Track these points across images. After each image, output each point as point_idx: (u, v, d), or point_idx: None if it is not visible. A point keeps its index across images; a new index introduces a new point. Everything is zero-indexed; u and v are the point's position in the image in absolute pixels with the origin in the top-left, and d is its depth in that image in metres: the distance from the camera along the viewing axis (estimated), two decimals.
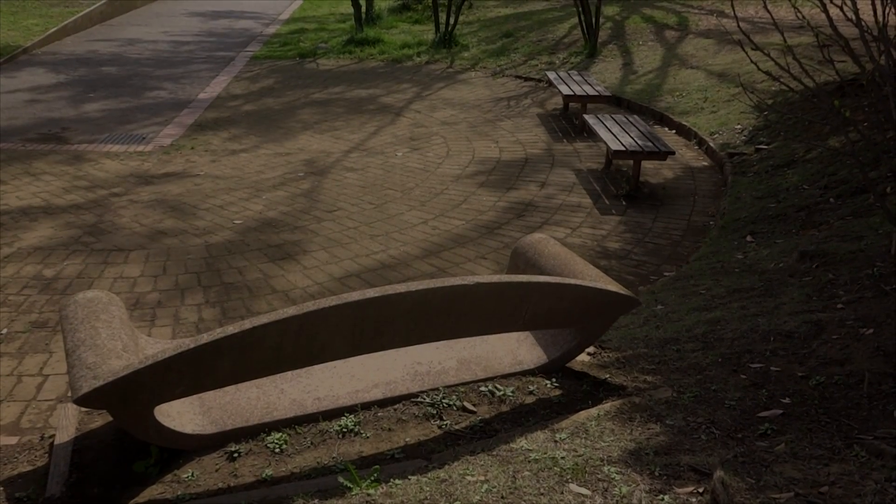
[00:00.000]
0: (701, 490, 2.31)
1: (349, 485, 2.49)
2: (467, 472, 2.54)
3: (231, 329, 2.52)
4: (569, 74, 10.18)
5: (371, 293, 2.66)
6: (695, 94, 9.66)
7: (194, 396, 3.04)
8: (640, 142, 7.08)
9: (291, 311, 2.57)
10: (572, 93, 9.27)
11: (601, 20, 12.71)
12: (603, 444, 2.70)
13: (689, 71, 10.59)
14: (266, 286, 5.29)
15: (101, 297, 3.02)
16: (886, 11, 3.69)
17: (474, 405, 3.17)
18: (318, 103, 10.75)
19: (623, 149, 6.92)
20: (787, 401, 2.99)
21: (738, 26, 4.27)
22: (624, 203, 6.89)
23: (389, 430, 3.00)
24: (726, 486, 2.23)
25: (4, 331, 4.65)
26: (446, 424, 3.04)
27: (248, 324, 2.53)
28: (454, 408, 3.14)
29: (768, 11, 4.22)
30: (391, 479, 2.52)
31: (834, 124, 6.68)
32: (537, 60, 12.69)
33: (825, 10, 3.78)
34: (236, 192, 7.18)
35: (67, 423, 3.15)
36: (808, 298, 4.01)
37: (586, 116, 8.11)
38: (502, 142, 8.74)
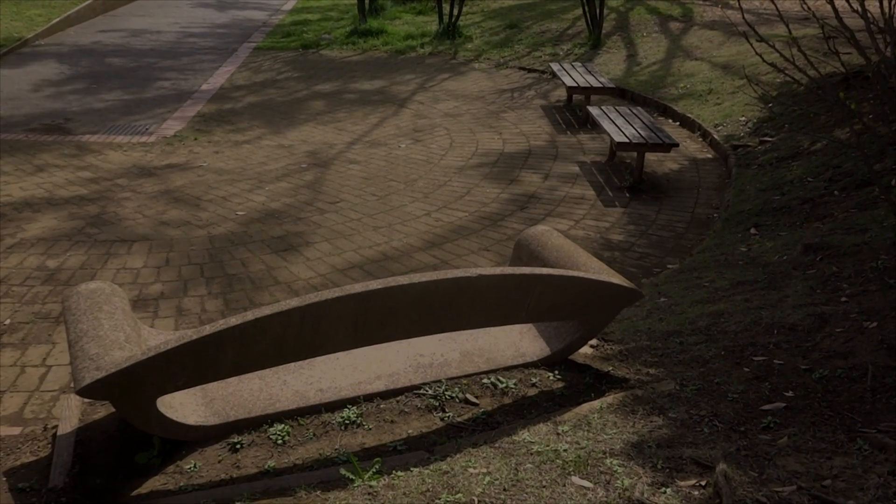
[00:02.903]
0: (703, 483, 2.31)
1: (351, 476, 2.49)
2: (469, 464, 2.54)
3: (234, 320, 2.52)
4: (573, 66, 10.14)
5: (374, 285, 2.65)
6: (699, 85, 9.62)
7: (197, 388, 3.04)
8: (643, 133, 7.06)
9: (294, 302, 2.57)
10: (576, 84, 9.24)
11: (605, 11, 12.66)
12: (605, 436, 2.70)
13: (694, 62, 10.55)
14: (269, 277, 5.29)
15: (103, 289, 3.02)
16: (892, 3, 3.67)
17: (477, 397, 3.17)
18: (321, 94, 10.74)
19: (627, 140, 6.90)
20: (790, 394, 2.98)
21: (743, 18, 4.25)
22: (627, 195, 6.87)
23: (392, 421, 3.01)
24: (729, 479, 2.22)
25: (7, 321, 4.66)
26: (448, 416, 3.04)
27: (250, 315, 2.53)
28: (456, 400, 3.14)
29: (773, 3, 4.20)
30: (393, 471, 2.53)
31: (839, 116, 6.65)
32: (541, 52, 12.65)
33: (831, 2, 3.75)
34: (239, 183, 7.18)
35: (70, 414, 3.16)
36: (811, 291, 4.00)
37: (590, 108, 8.08)
38: (506, 133, 8.72)
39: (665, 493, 2.27)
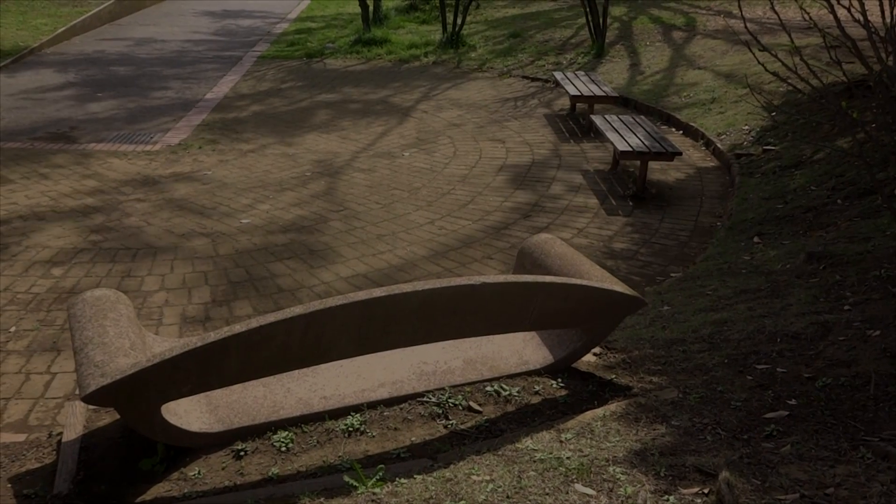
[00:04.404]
0: (706, 491, 2.31)
1: (355, 484, 2.50)
2: (473, 471, 2.54)
3: (238, 328, 2.53)
4: (576, 75, 10.17)
5: (377, 292, 2.66)
6: (702, 94, 9.64)
7: (201, 395, 3.05)
8: (647, 142, 7.08)
9: (298, 309, 2.58)
10: (579, 93, 9.26)
11: (608, 20, 12.70)
12: (608, 444, 2.70)
13: (697, 72, 10.57)
14: (273, 285, 5.30)
15: (108, 296, 3.03)
16: (894, 12, 3.68)
17: (480, 405, 3.17)
18: (325, 103, 10.77)
19: (630, 149, 6.91)
20: (793, 402, 2.98)
21: (746, 27, 4.27)
22: (631, 204, 6.88)
23: (395, 429, 3.01)
24: (732, 486, 2.23)
25: (13, 329, 4.68)
26: (452, 424, 3.04)
27: (254, 322, 2.54)
28: (460, 407, 3.14)
29: (776, 12, 4.21)
30: (397, 479, 2.53)
31: (842, 125, 6.66)
32: (544, 61, 12.68)
33: (833, 12, 3.77)
34: (243, 192, 7.20)
35: (75, 421, 3.17)
36: (814, 300, 4.01)
37: (593, 117, 8.10)
38: (509, 142, 8.75)
39: (668, 500, 2.27)
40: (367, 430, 2.99)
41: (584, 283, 3.10)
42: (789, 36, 4.15)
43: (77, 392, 3.87)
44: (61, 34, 15.07)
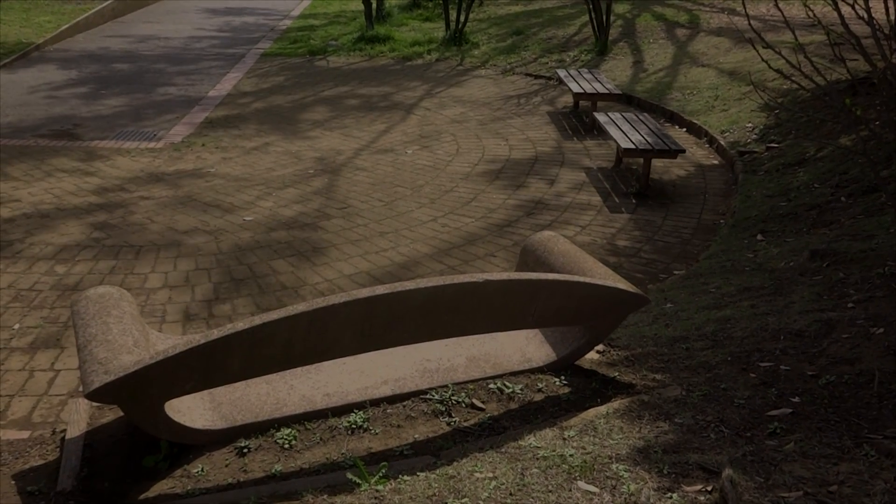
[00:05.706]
0: (709, 488, 2.31)
1: (358, 480, 2.50)
2: (476, 468, 2.54)
3: (241, 325, 2.53)
4: (579, 72, 10.16)
5: (381, 290, 2.66)
6: (706, 92, 9.62)
7: (204, 392, 3.06)
8: (650, 140, 7.07)
9: (301, 307, 2.58)
10: (582, 91, 9.25)
11: (612, 18, 12.69)
12: (611, 441, 2.70)
13: (700, 69, 10.55)
14: (276, 283, 5.31)
15: (112, 293, 3.03)
16: None
17: (483, 402, 3.17)
18: (328, 101, 10.77)
19: (633, 147, 6.91)
20: (796, 400, 2.98)
21: (750, 24, 4.26)
22: (634, 201, 6.87)
23: (398, 426, 3.01)
24: (735, 484, 2.23)
25: (17, 326, 4.69)
26: (455, 421, 3.04)
27: (257, 320, 2.54)
28: (463, 405, 3.14)
29: (780, 10, 4.20)
30: (399, 476, 2.53)
31: (845, 123, 6.64)
32: (547, 58, 12.67)
33: (837, 9, 3.76)
34: (247, 189, 7.21)
35: (79, 418, 3.17)
36: (818, 297, 4.00)
37: (596, 114, 8.09)
38: (512, 140, 8.74)
39: (671, 498, 2.27)
40: (371, 428, 2.99)
41: (587, 280, 3.10)
42: (793, 33, 4.14)
43: (81, 389, 3.88)
44: (65, 31, 15.08)
